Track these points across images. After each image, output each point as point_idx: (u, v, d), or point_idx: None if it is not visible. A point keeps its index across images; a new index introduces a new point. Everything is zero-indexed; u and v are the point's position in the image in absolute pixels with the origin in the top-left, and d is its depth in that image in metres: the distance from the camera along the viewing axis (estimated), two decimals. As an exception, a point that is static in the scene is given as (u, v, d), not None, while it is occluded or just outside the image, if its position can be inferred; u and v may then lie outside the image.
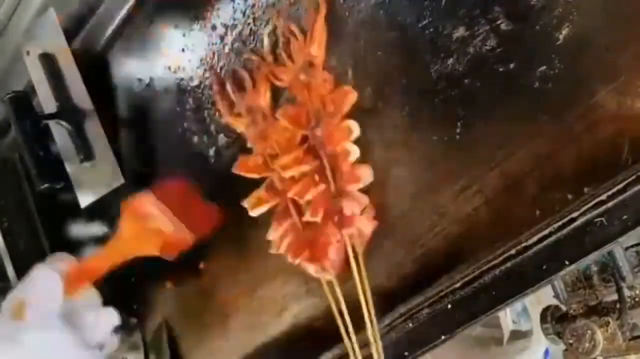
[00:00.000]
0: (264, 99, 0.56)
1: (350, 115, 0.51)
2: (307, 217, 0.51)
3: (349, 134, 0.51)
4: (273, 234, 0.54)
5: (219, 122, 0.61)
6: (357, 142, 0.51)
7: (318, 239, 0.51)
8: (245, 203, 0.56)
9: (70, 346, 0.53)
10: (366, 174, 0.51)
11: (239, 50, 0.58)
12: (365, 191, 0.51)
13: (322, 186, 0.51)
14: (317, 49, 0.52)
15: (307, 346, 0.56)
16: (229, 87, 0.58)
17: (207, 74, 0.61)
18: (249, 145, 0.57)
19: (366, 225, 0.50)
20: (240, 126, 0.57)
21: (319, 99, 0.51)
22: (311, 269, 0.52)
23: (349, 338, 0.50)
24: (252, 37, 0.57)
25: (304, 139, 0.53)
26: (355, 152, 0.51)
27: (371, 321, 0.49)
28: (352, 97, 0.51)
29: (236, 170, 0.56)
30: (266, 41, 0.55)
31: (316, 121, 0.51)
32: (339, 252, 0.51)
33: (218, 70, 0.60)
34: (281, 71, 0.54)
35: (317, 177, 0.52)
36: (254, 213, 0.55)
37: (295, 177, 0.52)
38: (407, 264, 0.49)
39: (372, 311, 0.49)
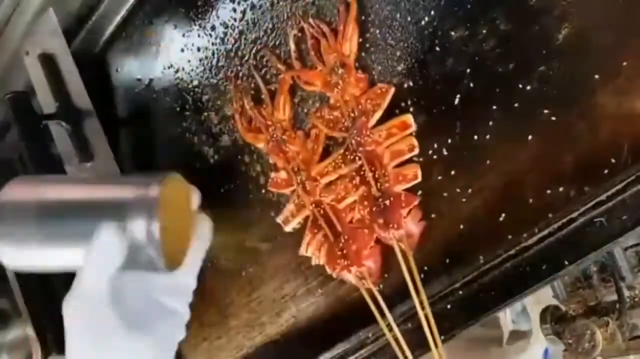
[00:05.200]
0: (283, 112, 0.54)
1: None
2: (354, 218, 0.50)
3: (399, 131, 0.48)
4: (308, 249, 0.52)
5: (218, 122, 0.61)
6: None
7: (351, 246, 0.49)
8: (279, 219, 0.55)
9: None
10: (414, 173, 0.47)
11: (244, 56, 0.58)
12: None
13: (362, 189, 0.49)
14: (349, 47, 0.49)
15: (307, 347, 0.56)
16: (246, 102, 0.57)
17: (207, 74, 0.61)
18: (271, 161, 0.56)
19: (414, 226, 0.48)
20: (259, 142, 0.56)
21: (354, 100, 0.49)
22: (351, 278, 0.50)
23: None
24: (253, 37, 0.57)
25: (335, 144, 0.52)
26: (408, 149, 0.48)
27: (435, 342, 0.46)
28: (390, 93, 0.48)
29: (271, 188, 0.56)
30: (292, 45, 0.53)
31: (352, 122, 0.49)
32: (375, 258, 0.50)
33: (237, 82, 0.58)
34: (311, 75, 0.52)
35: (357, 181, 0.49)
36: (288, 228, 0.55)
37: (331, 183, 0.51)
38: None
39: (433, 322, 0.46)
